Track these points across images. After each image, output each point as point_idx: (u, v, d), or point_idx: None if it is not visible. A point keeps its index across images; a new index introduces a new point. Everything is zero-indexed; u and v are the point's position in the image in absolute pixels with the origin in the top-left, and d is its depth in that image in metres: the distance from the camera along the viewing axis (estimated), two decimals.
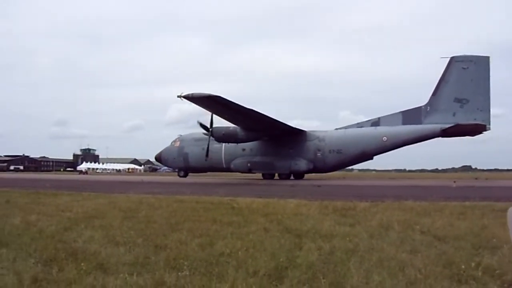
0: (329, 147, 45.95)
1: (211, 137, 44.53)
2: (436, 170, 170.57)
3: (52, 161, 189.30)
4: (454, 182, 30.75)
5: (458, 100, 43.09)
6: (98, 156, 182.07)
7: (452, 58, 43.96)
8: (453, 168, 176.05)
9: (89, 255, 6.05)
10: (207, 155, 46.32)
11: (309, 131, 47.48)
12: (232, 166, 48.49)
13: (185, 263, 5.67)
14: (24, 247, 6.61)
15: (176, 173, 55.81)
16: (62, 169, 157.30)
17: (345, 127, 48.67)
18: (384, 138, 44.60)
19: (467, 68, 43.26)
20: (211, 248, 6.69)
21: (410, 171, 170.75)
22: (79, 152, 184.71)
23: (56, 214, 10.65)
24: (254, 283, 4.82)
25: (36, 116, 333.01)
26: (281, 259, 5.88)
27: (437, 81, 44.60)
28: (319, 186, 27.21)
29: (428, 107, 44.56)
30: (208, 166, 49.94)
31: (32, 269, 5.30)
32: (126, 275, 5.05)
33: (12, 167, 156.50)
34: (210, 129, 43.91)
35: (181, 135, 52.09)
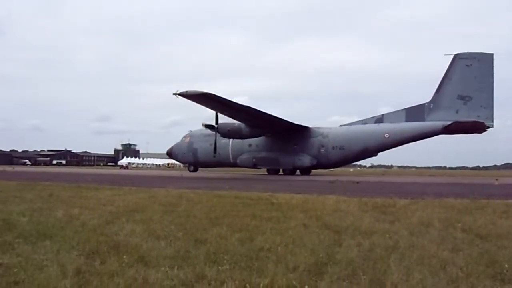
0: (333, 144, 47.10)
1: (217, 133, 46.33)
2: (477, 168, 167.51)
3: (94, 156, 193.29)
4: (496, 180, 30.12)
5: (461, 98, 43.32)
6: (138, 151, 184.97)
7: (456, 55, 44.04)
8: (495, 166, 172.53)
9: (131, 248, 6.12)
10: (215, 151, 48.06)
11: (313, 128, 48.78)
12: (238, 161, 50.26)
13: (225, 257, 5.69)
14: (67, 239, 6.73)
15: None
16: (102, 164, 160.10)
17: (350, 124, 49.64)
18: (386, 135, 45.48)
19: (471, 65, 43.26)
20: (251, 243, 6.69)
21: (450, 168, 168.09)
22: (120, 147, 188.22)
23: (98, 208, 10.84)
24: (294, 278, 4.79)
25: (79, 112, 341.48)
26: (320, 255, 5.85)
27: (441, 78, 44.80)
28: (357, 182, 26.97)
29: (432, 104, 44.89)
30: (216, 161, 51.41)
31: (75, 261, 5.39)
32: (167, 268, 5.09)
33: (54, 161, 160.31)
34: (216, 126, 45.47)
35: (191, 131, 54.12)
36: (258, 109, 41.08)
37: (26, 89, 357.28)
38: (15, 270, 5.02)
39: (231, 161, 51.07)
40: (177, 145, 55.34)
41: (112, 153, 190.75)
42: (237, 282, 4.61)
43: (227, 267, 5.24)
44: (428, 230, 7.98)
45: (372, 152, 47.81)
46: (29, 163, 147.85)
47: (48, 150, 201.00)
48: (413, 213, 10.17)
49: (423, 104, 45.42)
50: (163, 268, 5.10)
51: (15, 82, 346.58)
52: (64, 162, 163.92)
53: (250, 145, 49.24)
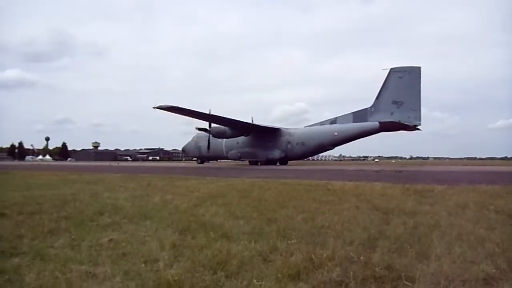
0: (296, 141, 51.95)
1: (210, 135, 52.63)
2: (505, 158, 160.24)
3: (182, 153, 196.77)
4: None
5: (395, 102, 46.77)
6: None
7: (391, 69, 47.78)
8: None
9: (216, 226, 6.22)
10: (208, 147, 55.05)
11: (282, 129, 53.96)
12: (229, 155, 56.58)
13: (293, 233, 5.71)
14: (163, 219, 6.89)
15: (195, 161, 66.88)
16: (183, 159, 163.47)
17: (311, 125, 54.58)
18: (335, 133, 50.08)
19: (403, 76, 46.84)
20: (313, 221, 6.67)
21: (480, 159, 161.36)
22: None
23: (187, 194, 11.03)
24: (351, 250, 4.77)
25: (170, 117, 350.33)
26: (372, 232, 5.76)
27: (379, 88, 48.08)
28: (400, 171, 26.48)
29: (373, 108, 48.43)
30: (214, 155, 59.30)
31: (170, 237, 5.53)
32: (246, 242, 5.17)
33: (150, 158, 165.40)
34: (209, 129, 51.89)
35: (198, 133, 58.59)
36: (221, 115, 46.54)
37: (128, 100, 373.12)
38: (123, 244, 5.22)
39: (225, 155, 57.25)
40: (188, 144, 62.12)
41: None
42: (304, 253, 4.62)
43: (295, 241, 5.25)
44: (464, 211, 7.67)
45: (326, 146, 52.39)
46: (130, 159, 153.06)
47: (145, 149, 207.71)
48: (450, 197, 9.79)
49: (366, 109, 49.08)
50: (242, 242, 5.18)
51: (119, 95, 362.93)
52: (158, 158, 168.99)
53: (237, 143, 54.60)
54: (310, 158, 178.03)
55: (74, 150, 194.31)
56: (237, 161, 58.94)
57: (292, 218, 7.02)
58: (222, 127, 50.74)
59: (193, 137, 60.65)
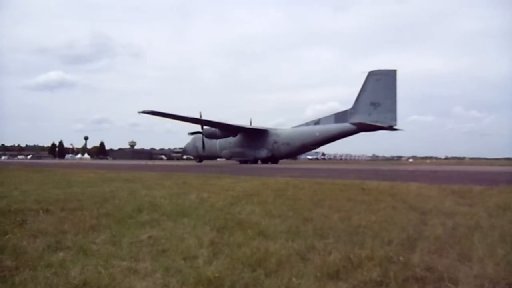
0: (282, 141, 54.54)
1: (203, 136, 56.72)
2: None
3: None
4: None
5: (372, 104, 47.93)
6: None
7: (369, 72, 49.06)
8: None
9: (252, 225, 6.22)
10: (203, 147, 59.03)
11: (270, 129, 56.82)
12: (222, 154, 60.39)
13: (330, 232, 5.64)
14: (200, 217, 6.92)
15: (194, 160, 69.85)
16: (185, 158, 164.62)
17: (297, 126, 57.02)
18: (317, 134, 52.41)
19: (380, 79, 47.95)
20: (349, 221, 6.58)
21: None
22: None
23: (222, 193, 11.07)
24: (390, 250, 4.67)
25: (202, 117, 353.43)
26: (410, 232, 5.63)
27: (359, 91, 49.43)
28: (435, 172, 25.92)
29: (352, 110, 49.86)
30: (210, 154, 62.48)
31: (208, 234, 5.56)
32: (283, 241, 5.14)
33: (184, 157, 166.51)
34: (202, 131, 56.24)
35: (197, 135, 61.27)
36: (199, 118, 51.78)
37: (162, 100, 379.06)
38: (162, 241, 5.26)
39: (219, 154, 61.00)
40: (187, 144, 66.61)
41: None
42: (342, 252, 4.56)
43: (332, 240, 5.19)
44: (505, 212, 7.40)
45: (309, 146, 55.42)
46: (165, 158, 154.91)
47: (179, 148, 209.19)
48: (490, 198, 9.46)
49: (347, 110, 50.66)
50: (280, 241, 5.15)
51: (154, 95, 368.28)
52: (192, 157, 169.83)
53: (230, 143, 57.74)
54: (343, 157, 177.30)
55: (111, 149, 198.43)
56: (228, 160, 62.88)
57: (328, 217, 6.95)
58: (213, 128, 55.10)
59: (192, 138, 64.47)
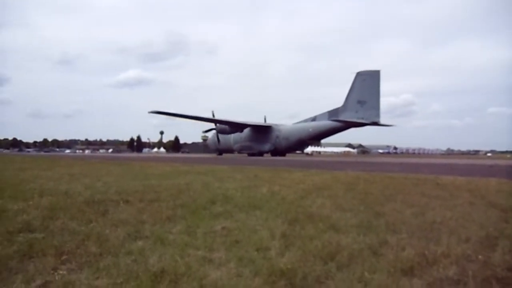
0: (283, 136, 60.45)
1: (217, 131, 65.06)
2: None
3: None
4: None
5: (359, 102, 52.40)
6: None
7: (357, 73, 53.69)
8: None
9: (323, 218, 6.17)
10: (218, 142, 67.46)
11: (273, 125, 62.68)
12: (234, 148, 67.09)
13: (403, 227, 5.49)
14: (272, 210, 6.97)
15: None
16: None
17: (297, 123, 62.52)
18: (310, 129, 57.95)
19: (366, 79, 52.27)
20: (423, 216, 6.36)
21: None
22: None
23: (293, 186, 11.08)
24: (468, 248, 4.45)
25: (271, 111, 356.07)
26: (490, 230, 5.33)
27: (348, 90, 54.39)
28: (491, 166, 24.68)
29: (342, 108, 54.64)
30: (226, 148, 68.78)
31: (280, 227, 5.58)
32: (355, 235, 5.07)
33: None
34: (215, 127, 64.78)
35: (214, 131, 68.90)
36: (198, 115, 61.01)
37: (235, 95, 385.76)
38: (235, 232, 5.35)
39: (233, 148, 67.51)
40: (209, 139, 75.10)
41: None
42: (416, 248, 4.42)
43: (406, 236, 5.04)
44: None
45: (305, 141, 61.97)
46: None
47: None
48: None
49: (338, 108, 55.16)
50: (351, 234, 5.08)
51: (227, 90, 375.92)
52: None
53: (241, 138, 63.79)
54: (416, 151, 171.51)
55: (185, 143, 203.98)
56: (239, 153, 68.28)
57: (401, 212, 6.77)
58: (223, 125, 62.06)
59: (212, 134, 72.06)
